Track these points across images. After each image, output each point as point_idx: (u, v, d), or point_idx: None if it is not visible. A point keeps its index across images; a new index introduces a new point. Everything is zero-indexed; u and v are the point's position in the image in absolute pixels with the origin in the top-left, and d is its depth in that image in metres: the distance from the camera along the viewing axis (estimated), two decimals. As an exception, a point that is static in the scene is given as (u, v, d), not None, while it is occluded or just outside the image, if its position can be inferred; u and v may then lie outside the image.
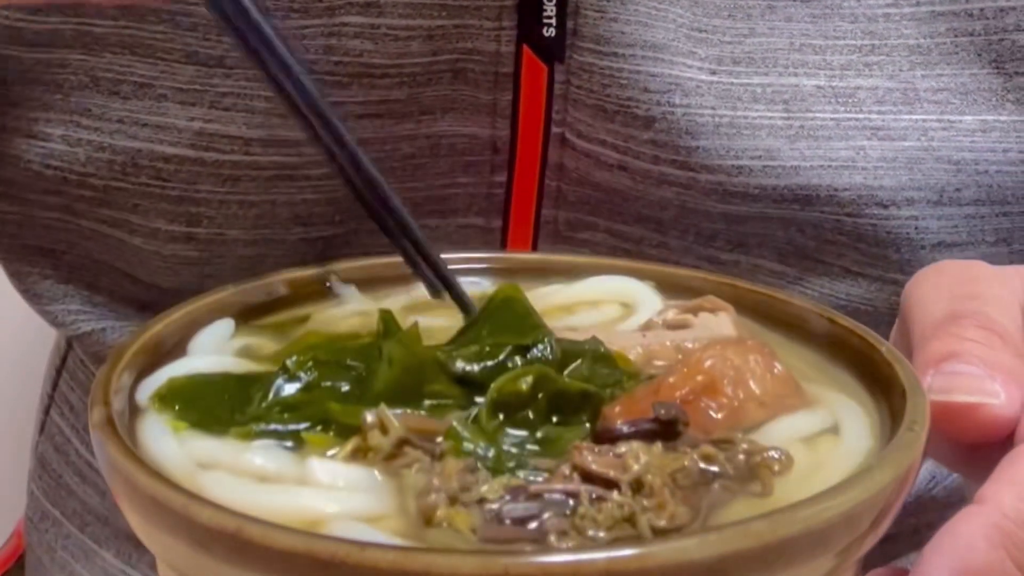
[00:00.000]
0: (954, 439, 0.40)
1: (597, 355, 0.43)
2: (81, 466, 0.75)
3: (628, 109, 0.57)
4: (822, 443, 0.39)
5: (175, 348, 0.43)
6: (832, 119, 0.57)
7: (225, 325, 0.45)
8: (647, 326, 0.46)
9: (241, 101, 0.57)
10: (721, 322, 0.45)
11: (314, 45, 0.56)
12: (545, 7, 0.57)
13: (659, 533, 0.34)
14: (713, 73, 0.57)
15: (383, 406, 0.38)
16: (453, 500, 0.35)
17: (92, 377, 0.72)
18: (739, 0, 0.57)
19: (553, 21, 0.57)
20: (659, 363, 0.44)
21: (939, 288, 0.44)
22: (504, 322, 0.43)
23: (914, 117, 0.58)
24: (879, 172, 0.57)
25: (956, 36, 0.58)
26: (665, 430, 0.38)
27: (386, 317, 0.43)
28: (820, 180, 0.57)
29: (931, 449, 0.38)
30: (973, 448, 0.41)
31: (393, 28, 0.56)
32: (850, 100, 0.58)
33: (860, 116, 0.58)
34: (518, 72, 0.58)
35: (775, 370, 0.41)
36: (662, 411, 0.38)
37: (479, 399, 0.40)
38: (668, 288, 0.49)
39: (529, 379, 0.39)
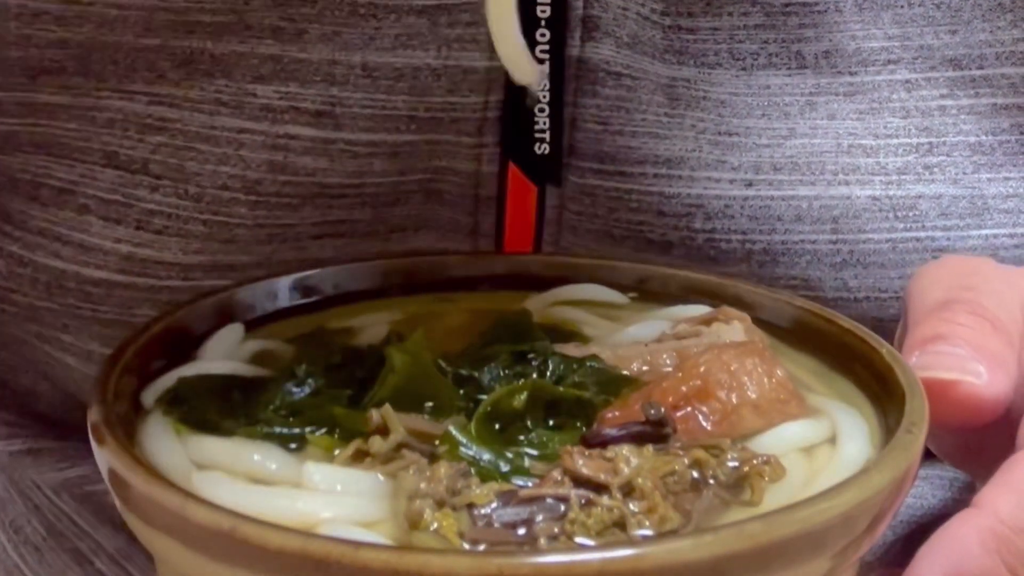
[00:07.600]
0: (935, 419, 0.38)
1: (594, 367, 0.43)
2: None
3: (640, 234, 0.50)
4: (820, 453, 0.39)
5: (178, 349, 0.43)
6: (888, 240, 0.51)
7: (234, 330, 0.45)
8: (658, 338, 0.45)
9: (174, 224, 0.50)
10: (734, 331, 0.44)
11: (255, 159, 0.49)
12: (537, 119, 0.49)
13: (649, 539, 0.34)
14: (749, 185, 0.50)
15: (388, 406, 0.38)
16: (441, 504, 0.35)
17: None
18: (773, 97, 0.50)
19: (547, 136, 0.49)
20: (661, 371, 0.43)
21: (938, 280, 0.43)
22: (507, 336, 0.44)
23: (983, 232, 0.51)
24: None
25: (1022, 133, 0.51)
26: (655, 431, 0.38)
27: (392, 326, 0.43)
28: (863, 312, 0.51)
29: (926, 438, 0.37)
30: (965, 439, 0.40)
31: (351, 143, 0.49)
32: (910, 214, 0.51)
33: (922, 235, 0.51)
34: (503, 194, 0.50)
35: (776, 375, 0.40)
36: (651, 412, 0.38)
37: (481, 398, 0.40)
38: (670, 290, 0.48)
39: (523, 396, 0.39)
